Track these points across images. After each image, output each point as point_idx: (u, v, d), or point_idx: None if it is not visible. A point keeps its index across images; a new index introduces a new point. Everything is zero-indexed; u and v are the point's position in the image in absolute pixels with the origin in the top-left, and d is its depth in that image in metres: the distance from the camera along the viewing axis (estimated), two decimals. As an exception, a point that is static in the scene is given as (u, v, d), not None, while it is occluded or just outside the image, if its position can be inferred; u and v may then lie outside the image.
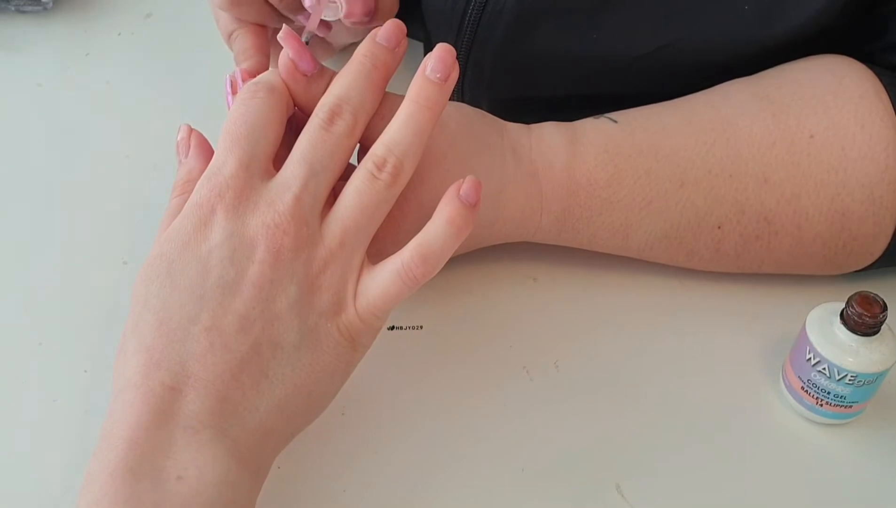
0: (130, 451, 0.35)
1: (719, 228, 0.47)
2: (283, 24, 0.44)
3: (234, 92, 0.50)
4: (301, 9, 0.49)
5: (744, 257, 0.48)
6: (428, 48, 0.43)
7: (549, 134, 0.48)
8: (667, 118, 0.48)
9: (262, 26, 0.51)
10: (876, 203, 0.46)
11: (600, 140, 0.47)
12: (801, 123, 0.46)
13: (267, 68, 0.49)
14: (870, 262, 0.48)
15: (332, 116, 0.41)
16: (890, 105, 0.46)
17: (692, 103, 0.49)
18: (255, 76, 0.45)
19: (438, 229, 0.39)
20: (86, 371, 0.46)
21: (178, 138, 0.45)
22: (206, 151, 0.44)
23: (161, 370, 0.37)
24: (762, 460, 0.44)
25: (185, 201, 0.41)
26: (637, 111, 0.49)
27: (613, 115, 0.49)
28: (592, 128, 0.48)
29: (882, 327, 0.43)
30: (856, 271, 0.49)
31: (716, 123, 0.47)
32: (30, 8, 0.67)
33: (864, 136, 0.46)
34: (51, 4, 0.67)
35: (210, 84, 0.64)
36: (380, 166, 0.40)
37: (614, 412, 0.46)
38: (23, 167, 0.57)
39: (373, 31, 0.43)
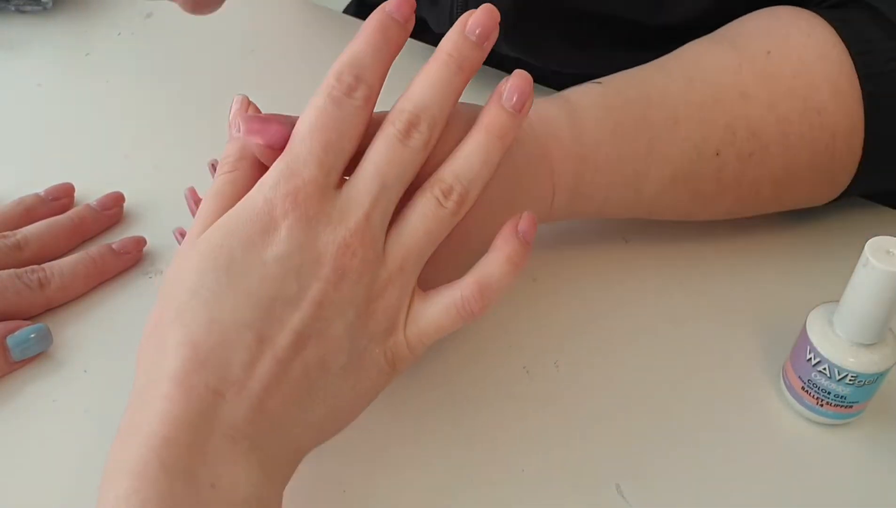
0: (165, 448, 0.33)
1: (718, 154, 0.48)
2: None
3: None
4: None
5: (743, 184, 0.49)
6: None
7: (545, 109, 0.48)
8: (644, 72, 0.50)
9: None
10: (841, 95, 0.48)
11: (594, 100, 0.48)
12: (756, 45, 0.50)
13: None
14: (854, 168, 0.50)
15: (409, 128, 0.38)
16: (822, 19, 0.50)
17: (660, 60, 0.51)
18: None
19: (498, 267, 0.39)
20: (86, 371, 0.46)
21: (234, 110, 0.41)
22: (265, 129, 0.39)
23: (206, 370, 0.35)
24: (762, 460, 0.44)
25: (235, 180, 0.39)
26: (615, 74, 0.50)
27: (595, 81, 0.50)
28: (582, 93, 0.49)
29: (882, 327, 0.43)
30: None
31: (687, 64, 0.50)
32: (30, 8, 0.67)
33: (812, 42, 0.49)
34: (51, 4, 0.67)
35: (210, 84, 0.64)
36: (446, 194, 0.39)
37: (614, 412, 0.46)
38: (23, 167, 0.57)
39: (461, 21, 0.39)
